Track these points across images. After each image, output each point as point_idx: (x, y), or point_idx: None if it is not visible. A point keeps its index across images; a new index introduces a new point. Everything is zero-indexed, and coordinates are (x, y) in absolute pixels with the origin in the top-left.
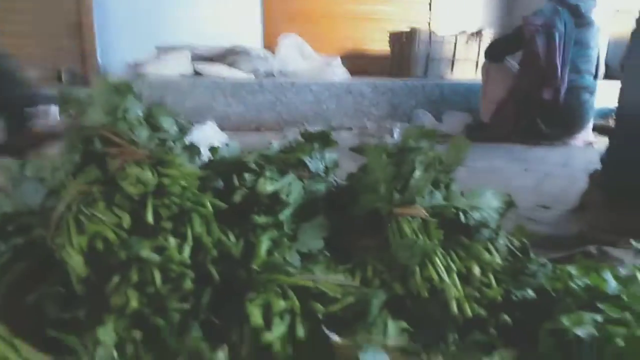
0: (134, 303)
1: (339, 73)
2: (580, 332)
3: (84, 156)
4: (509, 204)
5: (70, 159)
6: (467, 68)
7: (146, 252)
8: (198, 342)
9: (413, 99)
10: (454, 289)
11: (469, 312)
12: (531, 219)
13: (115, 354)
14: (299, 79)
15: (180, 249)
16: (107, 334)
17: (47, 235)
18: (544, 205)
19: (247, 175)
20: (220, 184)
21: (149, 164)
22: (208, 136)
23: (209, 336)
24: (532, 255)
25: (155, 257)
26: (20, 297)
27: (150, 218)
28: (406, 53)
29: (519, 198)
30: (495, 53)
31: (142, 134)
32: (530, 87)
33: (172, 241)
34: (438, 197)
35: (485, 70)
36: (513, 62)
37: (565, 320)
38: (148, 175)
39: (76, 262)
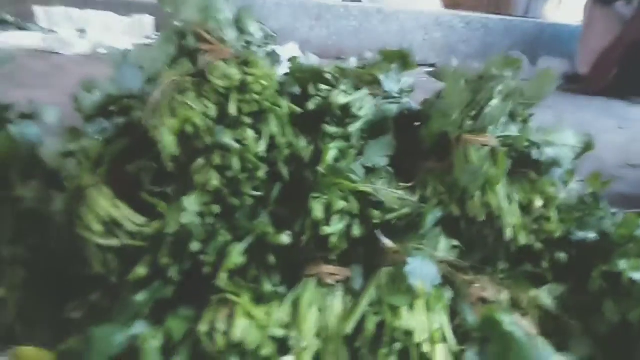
0: (214, 182)
1: (430, 2)
2: (636, 275)
3: (179, 49)
4: (588, 146)
5: (167, 51)
6: (575, 10)
7: (228, 140)
8: (265, 225)
9: (508, 39)
10: (512, 216)
11: (523, 240)
12: (614, 176)
13: (196, 220)
14: (386, 6)
15: (257, 143)
16: (191, 204)
17: (143, 116)
18: (631, 163)
19: (322, 86)
20: (297, 90)
21: (235, 62)
22: (290, 55)
23: (275, 224)
24: (601, 204)
25: (236, 146)
26: (122, 168)
27: (233, 110)
28: None
29: (606, 154)
30: None
31: (231, 34)
32: None
33: (251, 135)
34: (512, 130)
35: (589, 13)
36: (626, 8)
37: (623, 264)
38: (233, 72)
39: (168, 142)
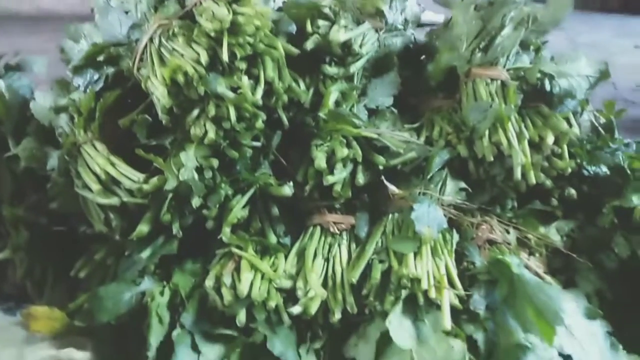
0: (211, 135)
1: None
2: None
3: None
4: (604, 75)
5: None
6: None
7: (222, 89)
8: (267, 176)
9: None
10: (522, 156)
11: (533, 180)
12: (628, 100)
13: (196, 175)
14: None
15: (253, 90)
16: (189, 159)
17: (132, 66)
18: None
19: (320, 22)
20: (293, 28)
21: (225, 1)
22: None
23: (277, 174)
24: (616, 134)
25: (230, 95)
26: (115, 121)
27: (225, 56)
28: None
29: (620, 77)
30: None
31: None
32: None
33: (246, 81)
34: (524, 60)
35: None
36: None
37: (636, 199)
38: (223, 12)
39: (160, 92)
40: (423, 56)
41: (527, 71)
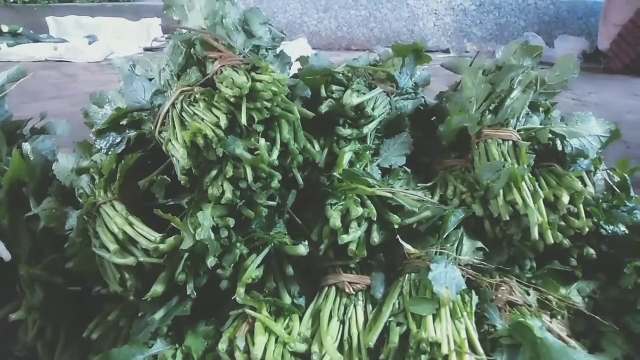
0: (228, 195)
1: None
2: None
3: (187, 58)
4: (615, 135)
5: (175, 61)
6: None
7: (240, 151)
8: (282, 236)
9: (523, 19)
10: (538, 215)
11: (550, 240)
12: None
13: (212, 235)
14: None
15: (270, 151)
16: (206, 218)
17: (154, 129)
18: None
19: (334, 87)
20: (308, 93)
21: (244, 69)
22: (299, 52)
23: (292, 233)
24: (632, 192)
25: (248, 156)
26: (134, 182)
27: (244, 120)
28: None
29: (631, 134)
30: None
31: (239, 39)
32: None
33: (263, 143)
34: (535, 121)
35: None
36: None
37: None
38: (243, 80)
39: (181, 154)
40: (434, 118)
41: (539, 132)
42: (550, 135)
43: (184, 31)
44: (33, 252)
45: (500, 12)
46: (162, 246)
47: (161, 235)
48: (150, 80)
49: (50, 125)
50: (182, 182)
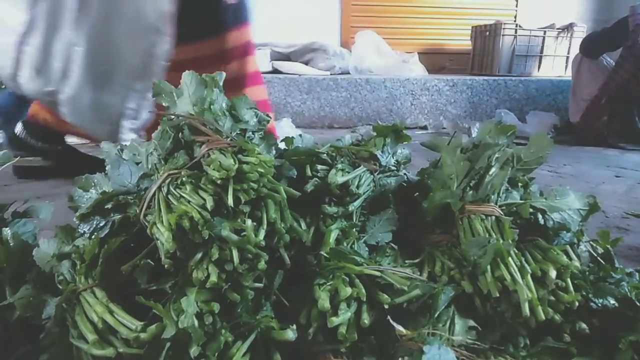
0: (213, 278)
1: (415, 70)
2: None
3: (174, 143)
4: (594, 207)
5: (163, 145)
6: (556, 65)
7: (226, 232)
8: (269, 319)
9: (494, 97)
10: (527, 291)
11: (541, 316)
12: (620, 227)
13: (196, 322)
14: (373, 76)
15: (256, 231)
16: (189, 304)
17: (139, 212)
18: (635, 213)
19: (319, 166)
20: (294, 173)
21: (231, 152)
22: (284, 132)
23: (279, 316)
24: (616, 263)
25: (234, 237)
26: (117, 267)
27: (230, 201)
28: (489, 48)
29: (607, 205)
30: (593, 48)
31: (226, 124)
32: (629, 82)
33: (250, 224)
34: (515, 196)
35: (577, 66)
36: (609, 60)
37: None
38: (230, 162)
39: (165, 238)
40: (417, 193)
41: (519, 207)
42: (531, 210)
43: (172, 117)
44: (5, 343)
45: (472, 91)
46: (142, 335)
47: (142, 323)
48: (137, 164)
49: (32, 209)
50: (166, 266)
